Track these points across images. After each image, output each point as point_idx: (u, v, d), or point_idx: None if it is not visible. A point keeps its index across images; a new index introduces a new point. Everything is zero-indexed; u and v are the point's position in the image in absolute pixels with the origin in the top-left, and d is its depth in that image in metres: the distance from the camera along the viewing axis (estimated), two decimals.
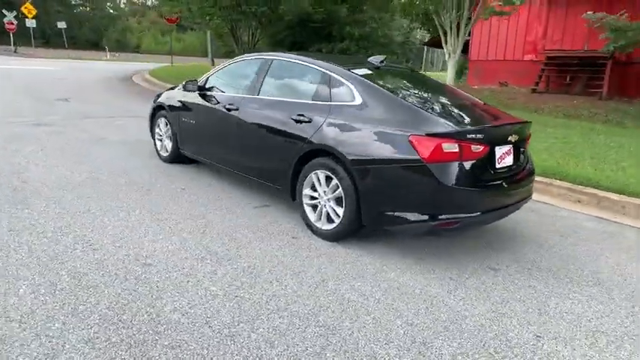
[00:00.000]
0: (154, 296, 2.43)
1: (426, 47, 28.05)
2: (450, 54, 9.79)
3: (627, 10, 9.92)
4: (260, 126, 3.74)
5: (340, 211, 3.16)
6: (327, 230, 3.27)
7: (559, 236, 3.76)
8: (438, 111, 3.04)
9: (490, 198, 2.94)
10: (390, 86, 3.35)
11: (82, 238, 3.09)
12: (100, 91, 12.29)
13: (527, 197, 3.33)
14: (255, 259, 2.95)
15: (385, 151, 2.88)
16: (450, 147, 2.71)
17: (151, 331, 2.12)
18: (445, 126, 2.77)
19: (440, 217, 2.77)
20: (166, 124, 5.09)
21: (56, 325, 2.13)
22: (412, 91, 3.44)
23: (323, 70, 3.48)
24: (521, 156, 3.32)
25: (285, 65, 3.86)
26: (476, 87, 14.00)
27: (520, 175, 3.23)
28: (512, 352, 2.16)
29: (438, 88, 3.88)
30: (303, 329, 2.21)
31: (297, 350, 2.06)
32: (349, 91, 3.23)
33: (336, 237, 3.25)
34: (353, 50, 14.97)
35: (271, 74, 3.87)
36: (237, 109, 3.97)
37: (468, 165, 2.79)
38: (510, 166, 3.14)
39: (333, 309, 2.41)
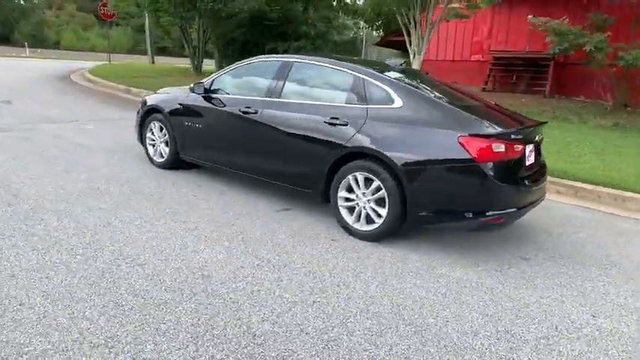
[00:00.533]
0: (233, 308, 2.36)
1: (364, 46, 28.83)
2: (414, 54, 10.20)
3: (563, 12, 10.92)
4: (287, 130, 3.71)
5: (383, 211, 3.24)
6: (367, 231, 3.34)
7: (559, 225, 4.12)
8: (474, 113, 3.21)
9: (524, 195, 3.18)
10: (423, 88, 3.48)
11: (120, 252, 2.91)
12: (44, 91, 11.33)
13: (544, 195, 3.62)
14: (309, 264, 2.95)
15: (433, 152, 3.01)
16: (498, 147, 2.89)
17: (252, 344, 2.08)
18: (492, 127, 2.96)
19: (487, 213, 2.95)
20: (161, 129, 4.86)
21: (149, 347, 2.01)
22: (440, 92, 3.59)
23: (355, 73, 3.53)
24: (539, 155, 3.61)
25: (309, 68, 3.86)
26: None
27: (540, 173, 3.52)
28: (581, 332, 2.38)
29: (457, 90, 4.07)
30: (395, 328, 2.28)
31: (402, 348, 2.12)
32: (387, 94, 3.32)
33: (376, 237, 3.33)
34: (309, 49, 15.04)
35: (293, 77, 3.85)
36: (255, 113, 3.90)
37: (510, 164, 3.00)
38: (532, 164, 3.40)
39: (411, 307, 2.50)
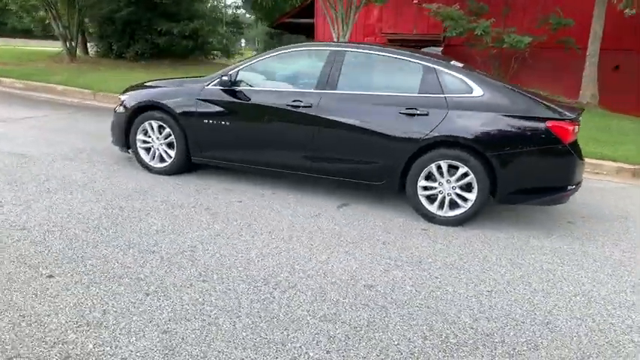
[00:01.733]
0: (439, 313, 2.30)
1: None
2: (338, 39, 10.33)
3: None
4: (355, 122, 3.58)
5: (470, 196, 3.41)
6: (451, 217, 3.49)
7: None
8: (542, 100, 3.52)
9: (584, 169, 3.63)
10: (487, 76, 3.68)
11: (254, 278, 2.53)
12: None
13: None
14: (437, 256, 2.98)
15: (523, 137, 3.27)
16: (575, 129, 3.29)
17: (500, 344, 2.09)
18: (567, 113, 3.32)
19: (568, 188, 3.35)
20: (161, 129, 4.18)
21: None
22: (496, 80, 3.82)
23: (424, 63, 3.56)
24: None
25: (365, 58, 3.74)
26: None
27: None
28: None
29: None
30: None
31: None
32: (463, 83, 3.44)
33: (460, 222, 3.50)
34: (206, 30, 14.00)
35: (348, 67, 3.68)
36: (309, 106, 3.65)
37: (577, 143, 3.43)
38: None
39: (562, 273, 2.76)
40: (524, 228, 3.58)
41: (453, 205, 3.50)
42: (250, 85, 3.89)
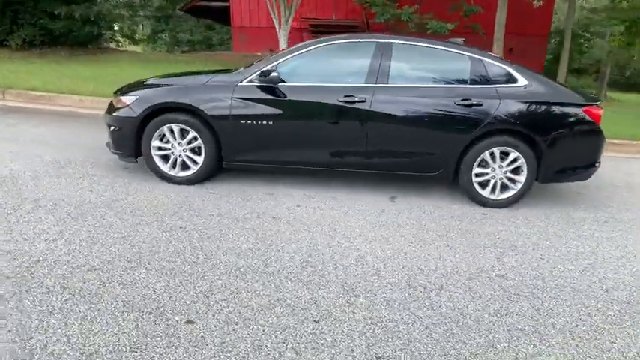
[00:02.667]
0: (579, 292, 2.49)
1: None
2: (280, 24, 9.95)
3: None
4: (412, 115, 3.58)
5: (520, 178, 3.68)
6: (503, 199, 3.74)
7: None
8: (569, 87, 3.90)
9: None
10: (524, 67, 3.92)
11: (396, 282, 2.45)
12: None
13: None
14: (527, 239, 3.19)
15: (565, 122, 3.61)
16: (601, 112, 3.72)
17: None
18: (593, 98, 3.74)
19: (596, 164, 3.80)
20: (183, 133, 3.71)
21: None
22: None
23: (471, 55, 3.67)
24: None
25: (412, 50, 3.71)
26: (245, 55, 14.53)
27: None
28: None
29: None
30: None
31: None
32: (508, 73, 3.65)
33: (510, 203, 3.77)
34: (115, 14, 12.39)
35: (396, 60, 3.64)
36: (363, 101, 3.55)
37: None
38: None
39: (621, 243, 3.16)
40: (556, 203, 3.98)
41: (504, 188, 3.74)
42: (294, 81, 3.63)
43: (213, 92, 3.64)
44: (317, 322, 2.09)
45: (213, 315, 2.09)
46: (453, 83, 3.69)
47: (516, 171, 3.69)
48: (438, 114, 3.59)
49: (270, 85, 3.58)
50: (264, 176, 4.13)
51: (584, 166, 3.78)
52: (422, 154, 3.68)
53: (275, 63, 3.66)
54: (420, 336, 2.03)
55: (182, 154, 3.76)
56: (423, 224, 3.33)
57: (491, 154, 3.65)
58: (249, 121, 3.63)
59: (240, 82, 3.64)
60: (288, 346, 1.91)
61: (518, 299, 2.38)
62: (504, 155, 3.67)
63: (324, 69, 3.74)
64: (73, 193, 3.44)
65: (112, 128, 3.81)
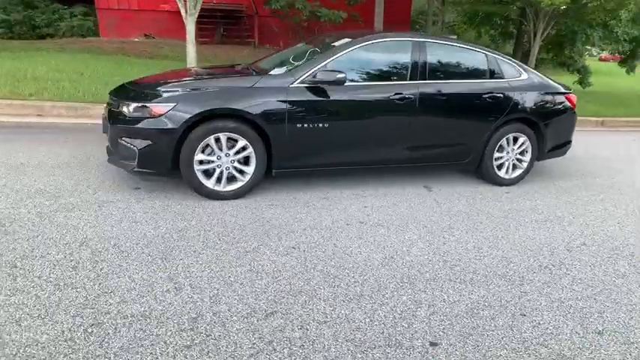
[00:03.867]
0: None
1: None
2: (187, 9, 8.86)
3: None
4: (451, 109, 3.86)
5: (526, 158, 4.30)
6: (514, 178, 4.32)
7: None
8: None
9: None
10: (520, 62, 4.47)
11: (528, 267, 2.74)
12: None
13: None
14: (561, 212, 3.78)
15: (557, 107, 4.32)
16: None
17: None
18: (568, 87, 4.54)
19: (571, 141, 4.65)
20: (231, 142, 3.32)
21: None
22: None
23: (486, 52, 4.08)
24: None
25: (440, 48, 3.92)
26: (116, 40, 12.80)
27: None
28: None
29: None
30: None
31: None
32: (515, 68, 4.18)
33: (518, 181, 4.37)
34: None
35: (430, 58, 3.82)
36: (410, 98, 3.68)
37: None
38: None
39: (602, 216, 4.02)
40: (544, 178, 4.74)
41: (514, 168, 4.32)
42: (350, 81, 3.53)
43: (264, 96, 3.31)
44: (524, 315, 2.25)
45: (457, 339, 2.07)
46: (479, 78, 4.06)
47: (523, 152, 4.29)
48: (471, 107, 3.94)
49: (310, 86, 3.40)
50: (298, 181, 3.93)
51: (564, 143, 4.60)
52: (457, 144, 4.00)
53: (324, 63, 3.49)
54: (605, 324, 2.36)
55: (230, 165, 3.35)
56: (478, 209, 3.67)
57: (507, 139, 4.17)
58: (305, 124, 3.42)
59: (292, 84, 3.39)
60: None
61: (618, 260, 2.91)
62: (514, 140, 4.23)
63: (370, 68, 3.71)
64: (116, 230, 2.79)
65: (141, 143, 3.15)
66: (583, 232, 3.34)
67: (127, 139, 3.21)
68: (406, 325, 2.07)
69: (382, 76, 3.75)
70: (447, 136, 3.95)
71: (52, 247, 2.49)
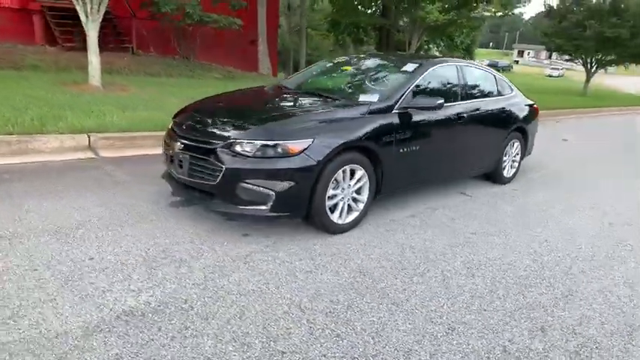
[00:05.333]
0: None
1: None
2: (87, 14, 7.17)
3: None
4: (483, 126, 4.46)
5: (518, 158, 5.22)
6: (512, 176, 5.19)
7: None
8: None
9: None
10: None
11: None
12: None
13: None
14: (551, 207, 4.74)
15: (532, 115, 5.29)
16: None
17: None
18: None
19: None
20: (353, 173, 3.26)
21: None
22: None
23: (492, 72, 4.79)
24: None
25: (470, 71, 4.43)
26: None
27: None
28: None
29: None
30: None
31: None
32: (508, 86, 5.01)
33: (513, 178, 5.27)
34: None
35: (466, 80, 4.32)
36: (462, 117, 4.12)
37: None
38: None
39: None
40: (526, 174, 5.75)
41: (511, 168, 5.18)
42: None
43: (376, 124, 3.32)
44: None
45: None
46: (494, 96, 4.74)
47: (516, 154, 5.19)
48: (493, 124, 4.62)
49: (400, 110, 3.56)
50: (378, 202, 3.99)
51: (531, 144, 5.69)
52: (486, 156, 4.64)
53: (412, 85, 3.66)
54: None
55: (349, 196, 3.27)
56: (520, 208, 4.36)
57: (510, 145, 5.00)
58: (411, 147, 3.57)
59: (394, 108, 3.47)
60: None
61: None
62: (512, 144, 5.08)
63: (437, 89, 3.99)
64: (300, 283, 2.52)
65: (278, 185, 2.83)
66: None
67: (255, 182, 2.84)
68: None
69: (447, 96, 4.06)
70: (482, 150, 4.55)
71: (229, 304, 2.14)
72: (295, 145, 2.87)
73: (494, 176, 4.97)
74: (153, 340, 1.94)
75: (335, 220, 3.19)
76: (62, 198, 3.41)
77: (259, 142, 2.86)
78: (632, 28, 19.52)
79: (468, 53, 18.91)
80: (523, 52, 75.36)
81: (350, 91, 3.86)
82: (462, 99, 4.20)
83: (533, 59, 73.00)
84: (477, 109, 4.34)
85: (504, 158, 4.95)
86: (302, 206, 2.97)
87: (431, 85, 3.95)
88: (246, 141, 2.88)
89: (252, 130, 2.97)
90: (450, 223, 3.70)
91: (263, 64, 14.30)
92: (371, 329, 2.17)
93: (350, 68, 4.26)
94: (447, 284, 2.68)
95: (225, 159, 2.88)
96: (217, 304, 2.24)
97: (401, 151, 3.51)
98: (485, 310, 2.43)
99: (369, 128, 3.24)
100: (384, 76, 3.97)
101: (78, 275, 2.38)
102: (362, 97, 3.60)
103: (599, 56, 21.96)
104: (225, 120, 3.22)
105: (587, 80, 22.78)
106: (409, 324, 2.24)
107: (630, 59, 21.44)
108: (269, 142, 2.86)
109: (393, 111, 3.46)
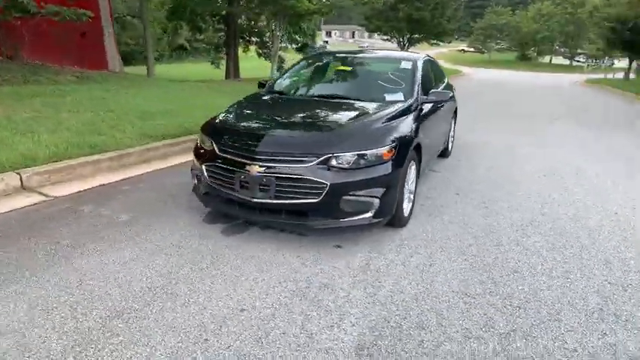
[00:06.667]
0: None
1: None
2: None
3: None
4: (444, 109, 5.13)
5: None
6: (450, 151, 6.08)
7: None
8: None
9: None
10: None
11: None
12: None
13: None
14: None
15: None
16: None
17: None
18: None
19: None
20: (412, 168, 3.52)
21: None
22: None
23: (435, 60, 5.43)
24: None
25: (432, 62, 4.96)
26: None
27: None
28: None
29: None
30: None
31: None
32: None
33: None
34: None
35: (434, 69, 4.88)
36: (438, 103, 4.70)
37: None
38: None
39: None
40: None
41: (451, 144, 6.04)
42: None
43: (416, 119, 3.59)
44: None
45: None
46: (443, 82, 5.41)
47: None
48: (449, 104, 5.32)
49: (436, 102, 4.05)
50: None
51: None
52: (445, 134, 5.33)
53: (418, 81, 4.00)
54: None
55: (410, 189, 3.50)
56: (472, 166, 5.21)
57: (454, 124, 5.82)
58: (424, 135, 3.88)
59: (417, 103, 3.76)
60: None
61: None
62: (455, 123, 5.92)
63: (425, 80, 4.38)
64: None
65: (379, 192, 2.89)
66: None
67: (358, 192, 2.84)
68: None
69: (430, 86, 4.46)
70: (445, 128, 5.21)
71: None
72: (386, 151, 2.95)
73: (444, 152, 5.72)
74: None
75: (405, 214, 3.38)
76: (118, 273, 2.71)
77: (355, 153, 2.84)
78: (432, 10, 23.51)
79: (312, 38, 19.90)
80: (330, 32, 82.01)
81: (373, 92, 3.94)
82: (435, 86, 4.72)
83: (340, 39, 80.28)
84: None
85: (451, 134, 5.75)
86: (394, 207, 3.08)
87: (423, 79, 4.35)
88: (342, 154, 2.82)
89: (344, 143, 2.90)
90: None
91: (113, 60, 12.55)
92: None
93: (347, 68, 4.33)
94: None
95: (326, 175, 2.78)
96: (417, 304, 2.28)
97: (422, 139, 3.85)
98: None
99: (415, 125, 3.48)
100: (391, 74, 4.16)
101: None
102: (388, 97, 3.78)
103: (409, 35, 25.83)
104: (302, 135, 3.07)
105: None
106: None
107: (434, 37, 25.76)
108: (364, 152, 2.86)
109: (417, 105, 3.75)
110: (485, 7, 57.31)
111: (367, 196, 2.87)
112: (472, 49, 57.69)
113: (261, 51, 18.48)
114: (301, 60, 4.68)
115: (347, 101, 3.71)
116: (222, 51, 18.55)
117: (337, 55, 4.82)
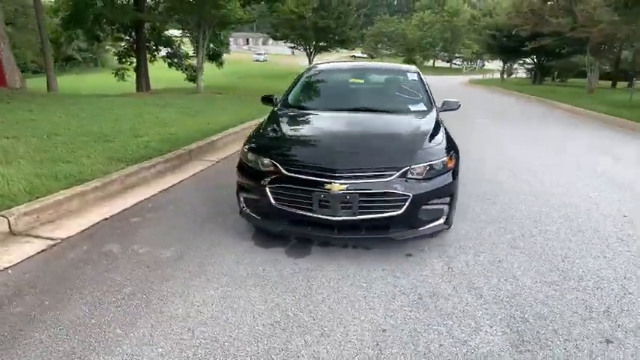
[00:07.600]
0: None
1: None
2: None
3: None
4: None
5: None
6: None
7: None
8: None
9: None
10: None
11: None
12: None
13: None
14: None
15: None
16: None
17: None
18: None
19: None
20: None
21: None
22: None
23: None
24: None
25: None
26: None
27: None
28: None
29: None
30: None
31: None
32: None
33: None
34: None
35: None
36: None
37: None
38: None
39: None
40: None
41: None
42: None
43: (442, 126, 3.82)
44: None
45: None
46: None
47: None
48: None
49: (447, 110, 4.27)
50: None
51: None
52: None
53: (428, 89, 4.24)
54: None
55: None
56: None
57: None
58: None
59: (437, 114, 4.00)
60: None
61: None
62: None
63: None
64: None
65: (446, 199, 3.04)
66: None
67: (434, 201, 2.97)
68: None
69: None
70: None
71: None
72: (449, 160, 3.12)
73: None
74: None
75: None
76: (222, 314, 2.45)
77: (428, 164, 2.96)
78: (336, 19, 24.50)
79: (227, 46, 19.39)
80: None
81: (398, 103, 4.07)
82: None
83: (235, 46, 79.20)
84: None
85: None
86: (454, 212, 3.26)
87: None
88: (416, 165, 2.92)
89: (416, 154, 2.99)
90: None
91: (13, 75, 10.93)
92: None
93: (360, 80, 4.40)
94: None
95: (407, 187, 2.86)
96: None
97: None
98: None
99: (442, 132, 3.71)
100: (403, 85, 4.34)
101: None
102: (412, 108, 3.96)
103: (315, 43, 26.59)
104: (377, 150, 3.09)
105: (310, 62, 27.25)
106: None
107: (338, 44, 26.82)
108: (434, 162, 2.99)
109: (438, 115, 3.99)
110: (371, 15, 61.32)
111: (440, 203, 3.01)
112: (365, 55, 61.25)
113: (171, 60, 17.46)
114: (302, 74, 4.63)
115: (384, 114, 3.80)
116: (127, 62, 17.15)
117: (342, 68, 4.88)
